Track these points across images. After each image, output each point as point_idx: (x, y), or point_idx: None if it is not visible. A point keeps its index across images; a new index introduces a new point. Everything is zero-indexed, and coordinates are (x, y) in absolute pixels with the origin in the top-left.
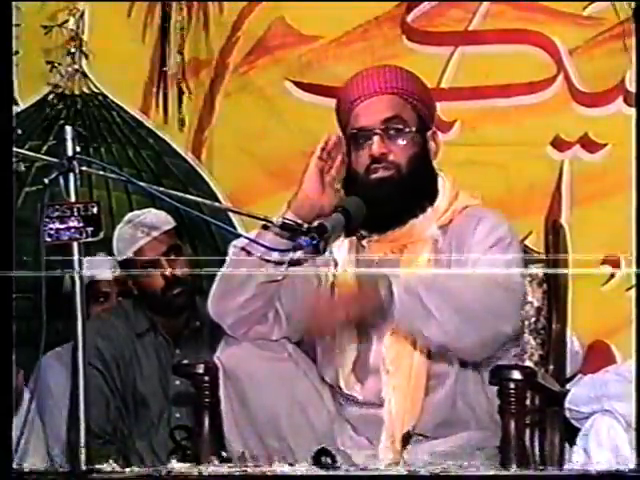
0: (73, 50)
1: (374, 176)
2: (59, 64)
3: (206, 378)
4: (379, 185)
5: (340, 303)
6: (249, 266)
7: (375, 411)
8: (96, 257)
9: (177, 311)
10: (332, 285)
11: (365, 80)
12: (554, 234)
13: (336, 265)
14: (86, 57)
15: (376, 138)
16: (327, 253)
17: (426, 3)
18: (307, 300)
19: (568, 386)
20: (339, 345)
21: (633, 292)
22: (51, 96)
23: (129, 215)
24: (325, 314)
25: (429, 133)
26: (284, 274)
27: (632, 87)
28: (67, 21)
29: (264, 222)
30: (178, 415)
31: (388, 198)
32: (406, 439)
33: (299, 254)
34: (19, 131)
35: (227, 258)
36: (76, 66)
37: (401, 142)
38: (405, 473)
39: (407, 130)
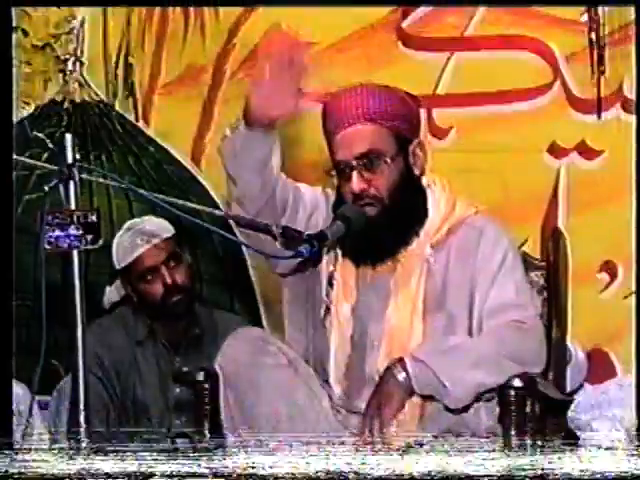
0: (74, 58)
1: (358, 212)
2: (70, 72)
3: (206, 385)
4: (366, 222)
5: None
6: None
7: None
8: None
9: (177, 318)
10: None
11: (339, 107)
12: (554, 241)
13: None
14: (81, 64)
15: (354, 174)
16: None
17: (422, 9)
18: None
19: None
20: (331, 352)
21: (633, 299)
22: (51, 104)
23: (128, 223)
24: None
25: (412, 146)
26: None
27: (631, 93)
28: (73, 29)
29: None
30: (178, 422)
31: (376, 234)
32: (405, 451)
33: (298, 261)
34: None
35: None
36: (77, 74)
37: (380, 173)
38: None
39: (384, 161)
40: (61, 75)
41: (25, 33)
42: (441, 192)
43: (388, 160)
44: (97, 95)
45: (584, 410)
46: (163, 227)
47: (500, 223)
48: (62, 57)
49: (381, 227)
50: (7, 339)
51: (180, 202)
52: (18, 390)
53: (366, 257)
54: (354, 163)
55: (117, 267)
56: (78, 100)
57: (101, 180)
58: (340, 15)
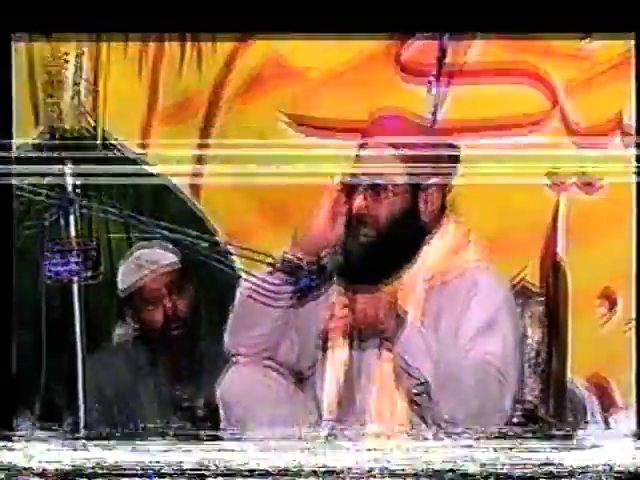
0: (74, 87)
1: (354, 235)
2: (69, 101)
3: (206, 415)
4: (356, 245)
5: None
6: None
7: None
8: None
9: (176, 348)
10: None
11: (372, 127)
12: (554, 271)
13: None
14: (79, 94)
15: (359, 195)
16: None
17: (420, 41)
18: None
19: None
20: (329, 374)
21: (633, 325)
22: (51, 133)
23: (135, 250)
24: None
25: (425, 189)
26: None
27: (630, 122)
28: (67, 54)
29: (264, 260)
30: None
31: (365, 260)
32: None
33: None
34: None
35: (237, 297)
36: (76, 102)
37: (384, 203)
38: None
39: (391, 193)
40: (60, 105)
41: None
42: (450, 238)
43: (394, 192)
44: (95, 125)
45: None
46: (169, 257)
47: (501, 276)
48: (61, 87)
49: (372, 255)
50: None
51: (179, 229)
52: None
53: (357, 283)
54: (363, 184)
55: (120, 294)
56: (77, 130)
57: (101, 214)
58: (339, 45)
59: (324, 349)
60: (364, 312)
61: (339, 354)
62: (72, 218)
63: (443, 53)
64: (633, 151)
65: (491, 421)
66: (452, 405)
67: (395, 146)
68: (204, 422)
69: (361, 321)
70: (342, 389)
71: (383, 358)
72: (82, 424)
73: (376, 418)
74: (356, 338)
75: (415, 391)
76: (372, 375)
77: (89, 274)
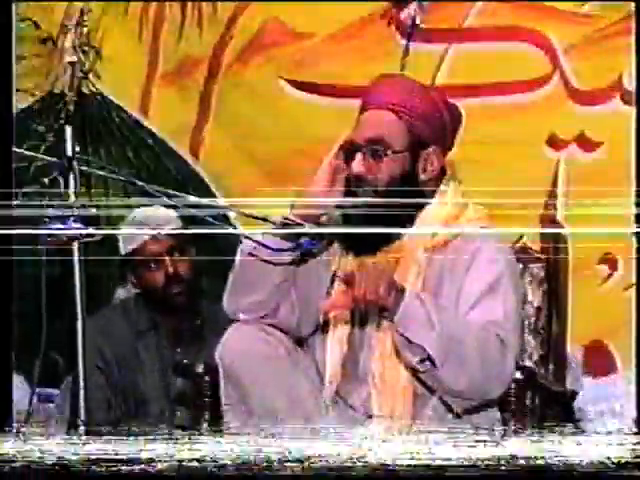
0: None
1: (353, 197)
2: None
3: (206, 377)
4: (356, 206)
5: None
6: (261, 265)
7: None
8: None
9: (177, 309)
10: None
11: (373, 89)
12: (554, 233)
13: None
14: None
15: (358, 156)
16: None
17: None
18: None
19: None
20: (330, 341)
21: (633, 291)
22: (50, 96)
23: (136, 210)
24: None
25: (427, 150)
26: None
27: (630, 85)
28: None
29: (264, 222)
30: (179, 414)
31: (365, 222)
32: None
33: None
34: None
35: (237, 257)
36: (76, 65)
37: (383, 163)
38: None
39: (391, 152)
40: (60, 67)
41: (37, 26)
42: (451, 199)
43: (394, 153)
44: (95, 87)
45: (590, 402)
46: (170, 218)
47: (502, 241)
48: (61, 50)
49: (371, 217)
50: (7, 331)
51: (179, 194)
52: (17, 383)
53: (358, 246)
54: (362, 145)
55: (122, 253)
56: (76, 92)
57: (100, 173)
58: (338, 6)
59: (325, 324)
60: (364, 290)
61: (340, 328)
62: (71, 179)
63: (414, 15)
64: (633, 112)
65: (493, 386)
66: (455, 371)
67: (395, 108)
68: (204, 382)
69: (361, 300)
70: (344, 357)
71: (383, 330)
72: (82, 386)
73: (379, 387)
74: (357, 315)
75: (417, 361)
76: (373, 346)
77: (89, 236)
